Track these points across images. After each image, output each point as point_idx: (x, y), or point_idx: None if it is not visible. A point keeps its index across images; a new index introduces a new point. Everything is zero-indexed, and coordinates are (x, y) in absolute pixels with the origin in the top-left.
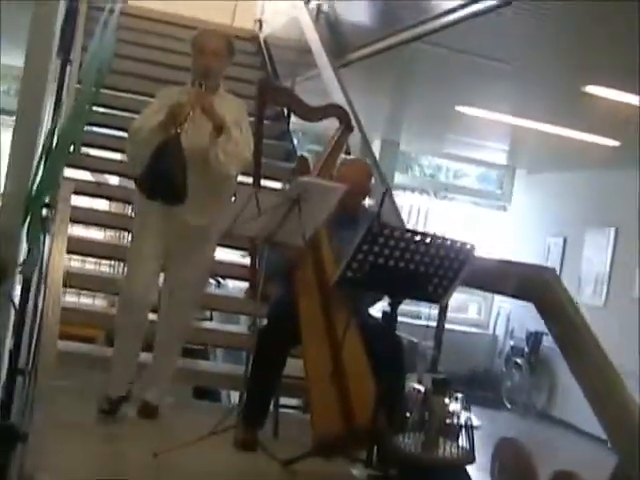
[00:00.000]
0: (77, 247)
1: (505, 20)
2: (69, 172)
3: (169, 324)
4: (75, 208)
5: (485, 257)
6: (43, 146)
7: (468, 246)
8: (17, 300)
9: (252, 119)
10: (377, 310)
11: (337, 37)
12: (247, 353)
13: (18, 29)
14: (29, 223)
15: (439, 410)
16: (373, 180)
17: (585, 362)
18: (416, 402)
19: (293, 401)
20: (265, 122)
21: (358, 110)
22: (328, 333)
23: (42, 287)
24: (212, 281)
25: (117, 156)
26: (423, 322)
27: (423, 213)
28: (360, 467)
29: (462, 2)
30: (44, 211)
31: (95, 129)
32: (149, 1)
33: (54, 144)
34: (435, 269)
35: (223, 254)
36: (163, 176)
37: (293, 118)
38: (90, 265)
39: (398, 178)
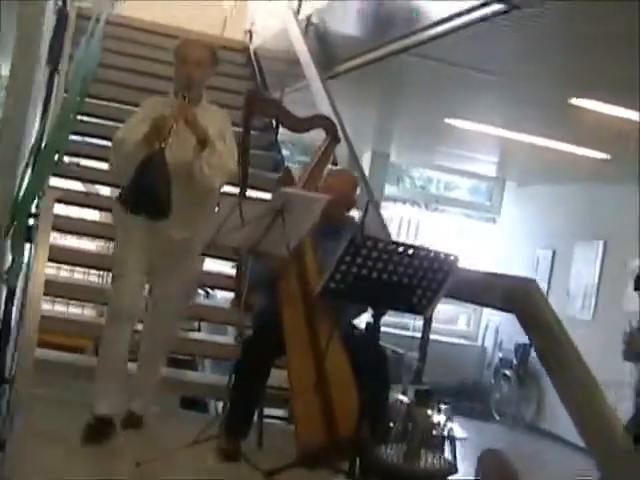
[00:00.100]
0: (66, 257)
1: (493, 32)
2: (61, 182)
3: (153, 336)
4: (65, 218)
5: (468, 268)
6: (30, 154)
7: (452, 257)
8: (1, 309)
9: (240, 130)
10: (362, 321)
11: (326, 49)
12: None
13: (5, 36)
14: (13, 232)
15: (421, 421)
16: (359, 191)
17: (566, 374)
18: (399, 413)
19: (278, 412)
20: (253, 133)
21: (348, 122)
22: (312, 344)
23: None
24: (201, 292)
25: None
26: (409, 333)
27: (414, 225)
28: (343, 478)
29: (450, 14)
30: (30, 220)
31: (83, 139)
32: (139, 11)
33: (40, 153)
34: (418, 280)
35: (212, 265)
36: (147, 191)
37: (281, 129)
38: (79, 275)
39: (389, 190)
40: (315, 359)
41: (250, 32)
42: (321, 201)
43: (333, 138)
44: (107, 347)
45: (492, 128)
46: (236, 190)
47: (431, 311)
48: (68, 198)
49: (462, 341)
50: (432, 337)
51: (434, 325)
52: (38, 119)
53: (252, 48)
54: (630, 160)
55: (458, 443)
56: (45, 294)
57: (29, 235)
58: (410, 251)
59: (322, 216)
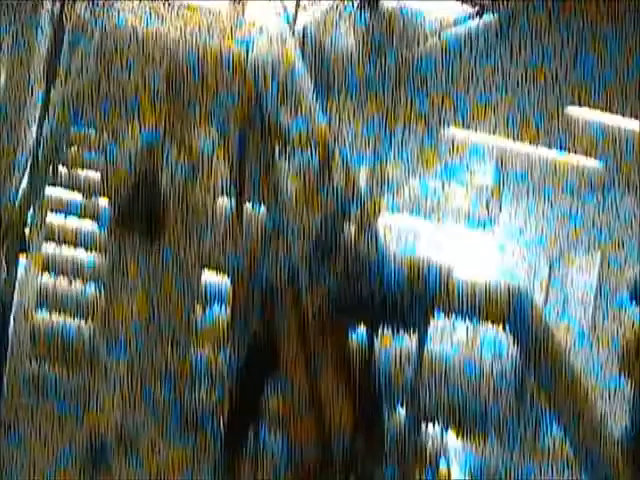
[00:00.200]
0: (65, 268)
1: (490, 43)
2: (62, 193)
3: (147, 353)
4: (64, 229)
5: (460, 279)
6: (25, 166)
7: (445, 269)
8: None
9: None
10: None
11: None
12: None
13: None
14: (8, 242)
15: (415, 437)
16: None
17: (556, 384)
18: (395, 429)
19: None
20: None
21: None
22: (307, 361)
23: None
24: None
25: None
26: (404, 347)
27: (412, 235)
28: None
29: (450, 22)
30: (26, 230)
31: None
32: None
33: (36, 163)
34: (411, 293)
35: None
36: (141, 211)
37: None
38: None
39: (387, 200)
40: (310, 377)
41: None
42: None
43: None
44: (105, 371)
45: (490, 138)
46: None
47: (424, 324)
48: (67, 209)
49: (460, 354)
50: (429, 348)
51: (431, 336)
52: (35, 130)
53: None
54: (625, 170)
55: (453, 458)
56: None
57: (23, 246)
58: (402, 263)
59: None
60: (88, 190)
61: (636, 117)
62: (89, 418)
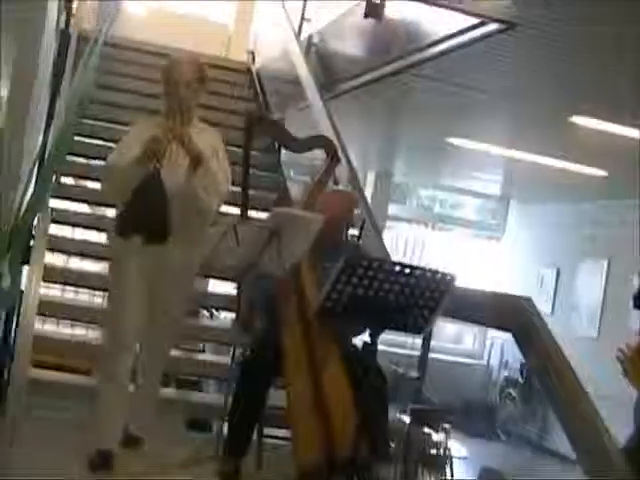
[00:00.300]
0: (71, 278)
1: (493, 52)
2: (66, 204)
3: (151, 357)
4: (69, 240)
5: (465, 287)
6: (29, 175)
7: (448, 276)
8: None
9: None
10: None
11: (327, 69)
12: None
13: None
14: (12, 253)
15: (417, 440)
16: (357, 210)
17: (560, 391)
18: (398, 432)
19: (278, 432)
20: (255, 154)
21: (352, 141)
22: (311, 364)
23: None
24: (205, 313)
25: None
26: (409, 352)
27: (420, 244)
28: None
29: (449, 32)
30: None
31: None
32: (142, 33)
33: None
34: (415, 300)
35: (216, 286)
36: (146, 215)
37: (284, 150)
38: (84, 296)
39: (395, 209)
40: (314, 379)
41: (252, 53)
42: (317, 221)
43: (333, 158)
44: (110, 380)
45: (495, 147)
46: (236, 210)
47: (428, 331)
48: (75, 220)
49: (467, 360)
50: (437, 356)
51: (439, 344)
52: (40, 141)
53: (254, 69)
54: (630, 177)
55: (460, 462)
56: (50, 315)
57: (27, 257)
58: (406, 270)
59: (321, 236)
60: (94, 201)
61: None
62: (94, 422)
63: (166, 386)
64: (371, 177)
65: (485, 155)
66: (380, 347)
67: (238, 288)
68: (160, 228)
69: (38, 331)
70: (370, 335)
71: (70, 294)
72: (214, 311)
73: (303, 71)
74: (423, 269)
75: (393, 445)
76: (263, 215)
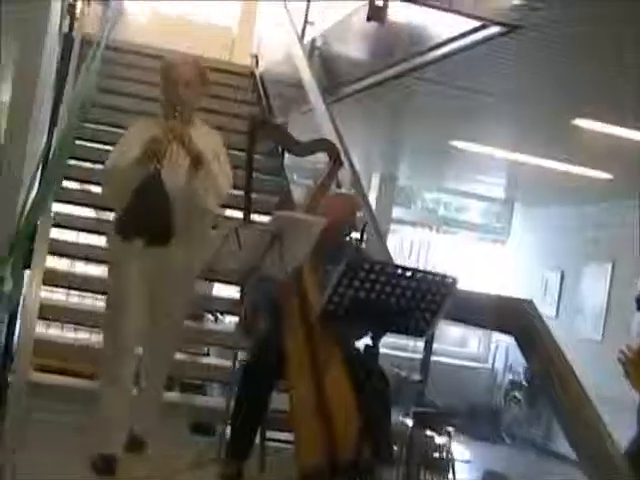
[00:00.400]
0: (75, 282)
1: (496, 55)
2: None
3: (154, 359)
4: (73, 244)
5: (466, 290)
6: (32, 180)
7: (449, 279)
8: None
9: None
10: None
11: (330, 72)
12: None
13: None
14: (14, 257)
15: (419, 443)
16: (360, 214)
17: (561, 393)
18: (401, 436)
19: (281, 435)
20: (259, 157)
21: (356, 145)
22: (313, 367)
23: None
24: (210, 316)
25: None
26: (411, 355)
27: (425, 247)
28: None
29: (451, 36)
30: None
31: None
32: (146, 37)
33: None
34: (417, 303)
35: (221, 290)
36: (147, 216)
37: (287, 153)
38: (89, 300)
39: (401, 213)
40: (316, 382)
41: (256, 57)
42: (318, 224)
43: (336, 162)
44: (113, 383)
45: (498, 150)
46: (239, 214)
47: (430, 333)
48: (76, 224)
49: (472, 363)
50: (442, 359)
51: (444, 347)
52: (43, 145)
53: (258, 73)
54: (634, 180)
55: (463, 465)
56: (54, 319)
57: (29, 261)
58: (407, 273)
59: (323, 239)
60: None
61: None
62: (97, 426)
63: (170, 390)
64: (375, 180)
65: (489, 158)
66: (382, 350)
67: (242, 292)
68: (162, 230)
69: (42, 335)
70: (372, 338)
71: (75, 298)
72: (219, 315)
73: (306, 74)
74: (425, 272)
75: (396, 448)
76: (266, 219)
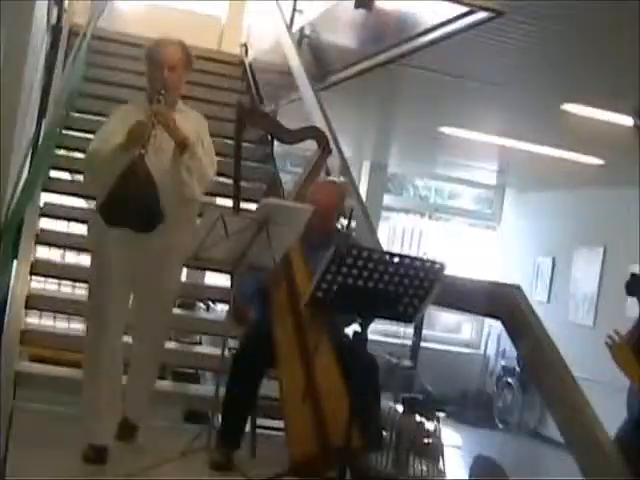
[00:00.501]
0: (68, 273)
1: (484, 41)
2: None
3: (142, 348)
4: (66, 235)
5: (454, 276)
6: (20, 171)
7: (437, 265)
8: None
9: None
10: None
11: (318, 60)
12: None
13: None
14: (2, 248)
15: (408, 429)
16: (348, 201)
17: (548, 379)
18: (390, 421)
19: (272, 422)
20: (248, 145)
21: (346, 133)
22: (303, 354)
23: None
24: (202, 305)
25: None
26: (402, 341)
27: (417, 234)
28: None
29: (437, 22)
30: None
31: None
32: (134, 27)
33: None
34: (405, 288)
35: (212, 278)
36: (132, 202)
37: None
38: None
39: (392, 200)
40: (306, 369)
41: (245, 46)
42: (305, 211)
43: (324, 149)
44: (99, 373)
45: (489, 136)
46: (228, 202)
47: (418, 319)
48: (71, 215)
49: (465, 350)
50: (435, 346)
51: (437, 334)
52: (31, 136)
53: (247, 61)
54: (624, 165)
55: (455, 451)
56: (45, 309)
57: (16, 250)
58: (395, 259)
59: (310, 227)
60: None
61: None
62: (87, 416)
63: (162, 379)
64: (366, 168)
65: (480, 144)
66: (373, 337)
67: (232, 280)
68: (147, 216)
69: (34, 325)
70: (360, 324)
71: (68, 288)
72: (210, 303)
73: (295, 63)
74: (412, 258)
75: (385, 434)
76: (254, 206)
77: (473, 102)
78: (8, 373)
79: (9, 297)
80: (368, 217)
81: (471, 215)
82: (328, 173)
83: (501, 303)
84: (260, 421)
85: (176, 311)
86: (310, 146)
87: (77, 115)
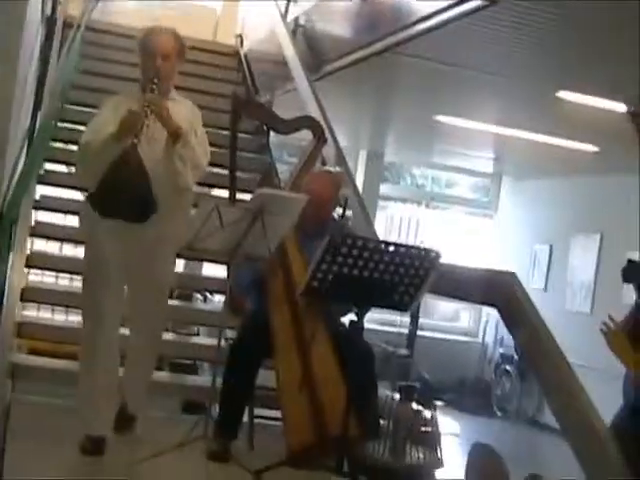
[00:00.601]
0: (65, 266)
1: (478, 29)
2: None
3: (138, 339)
4: (62, 227)
5: (450, 264)
6: (15, 164)
7: (433, 253)
8: None
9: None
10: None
11: (313, 50)
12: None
13: None
14: None
15: (405, 417)
16: (343, 191)
17: (545, 366)
18: (387, 410)
19: (270, 412)
20: (244, 136)
21: (342, 122)
22: (299, 344)
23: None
24: (199, 296)
25: None
26: (398, 330)
27: (414, 223)
28: (331, 475)
29: (432, 10)
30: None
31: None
32: (127, 18)
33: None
34: (400, 277)
35: (209, 269)
36: (125, 192)
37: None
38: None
39: (389, 189)
40: (303, 359)
41: (240, 36)
42: (300, 201)
43: (320, 139)
44: (95, 364)
45: (485, 124)
46: (224, 192)
47: (413, 307)
48: (67, 207)
49: (463, 338)
50: (433, 334)
51: (435, 322)
52: (27, 125)
53: (242, 52)
54: (619, 152)
55: (453, 439)
56: (42, 302)
57: (10, 243)
58: (390, 248)
59: (306, 217)
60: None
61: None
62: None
63: (160, 370)
64: (363, 157)
65: (476, 132)
66: (370, 325)
67: (229, 270)
68: (140, 205)
69: (32, 318)
70: (356, 313)
71: (65, 281)
72: (207, 294)
73: (290, 53)
74: (407, 246)
75: (382, 422)
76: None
77: (469, 91)
78: (4, 365)
79: (5, 289)
80: (364, 207)
81: (468, 203)
82: (324, 163)
83: (497, 291)
84: (257, 411)
85: (173, 302)
86: (306, 136)
87: (74, 108)
